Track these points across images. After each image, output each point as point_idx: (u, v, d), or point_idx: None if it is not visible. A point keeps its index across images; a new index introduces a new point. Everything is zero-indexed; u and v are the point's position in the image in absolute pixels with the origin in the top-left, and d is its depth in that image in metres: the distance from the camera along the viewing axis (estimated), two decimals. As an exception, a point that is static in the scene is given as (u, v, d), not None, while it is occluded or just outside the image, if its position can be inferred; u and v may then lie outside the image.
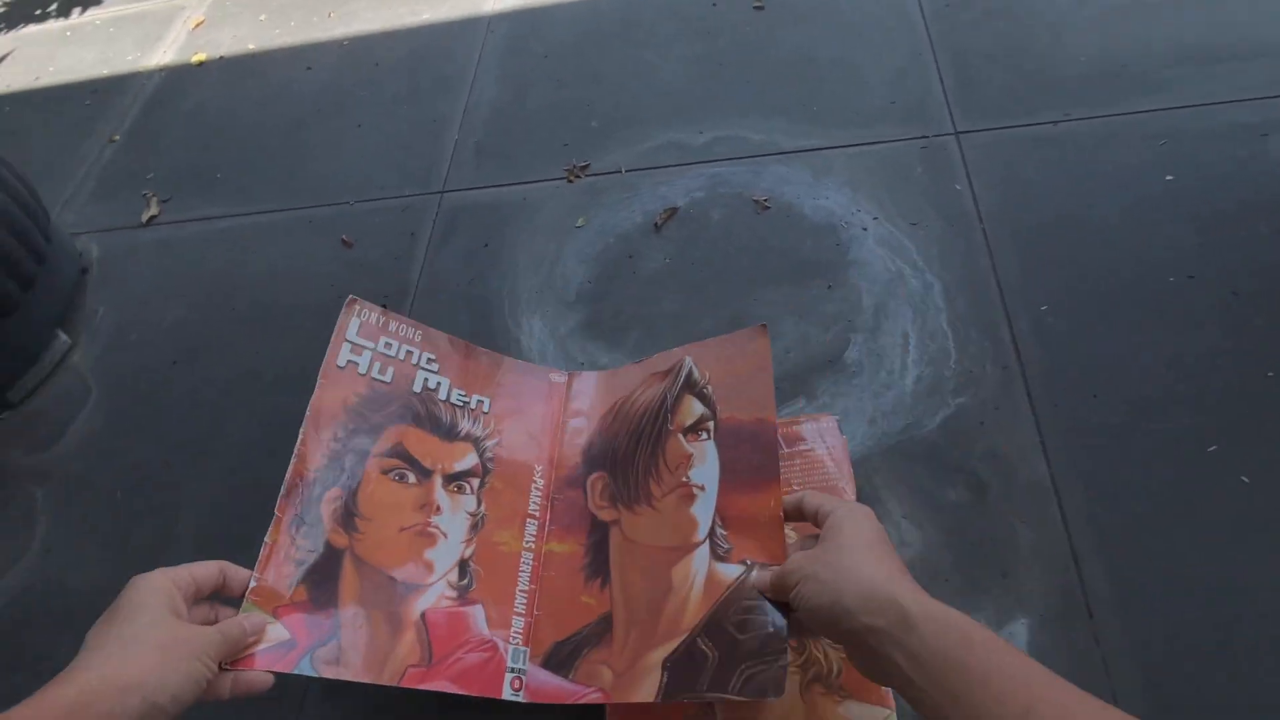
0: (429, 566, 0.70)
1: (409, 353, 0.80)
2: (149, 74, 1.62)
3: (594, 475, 0.77)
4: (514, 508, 0.76)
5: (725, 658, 0.58)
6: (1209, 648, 0.68)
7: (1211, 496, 0.75)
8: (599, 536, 0.72)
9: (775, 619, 0.57)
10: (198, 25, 1.70)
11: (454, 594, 0.69)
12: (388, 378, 0.78)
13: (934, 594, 0.71)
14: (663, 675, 0.61)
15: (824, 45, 1.25)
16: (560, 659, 0.67)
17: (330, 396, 0.75)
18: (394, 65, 1.46)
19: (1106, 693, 0.67)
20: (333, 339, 0.77)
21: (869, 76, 1.19)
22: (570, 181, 1.18)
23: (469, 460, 0.77)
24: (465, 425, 0.79)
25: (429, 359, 0.81)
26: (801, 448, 0.83)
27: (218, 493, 0.97)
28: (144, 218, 1.32)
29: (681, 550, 0.67)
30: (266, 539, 0.66)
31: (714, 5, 1.37)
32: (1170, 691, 0.67)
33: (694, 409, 0.74)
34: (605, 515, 0.73)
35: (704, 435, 0.72)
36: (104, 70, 1.66)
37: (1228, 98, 1.02)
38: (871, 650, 0.46)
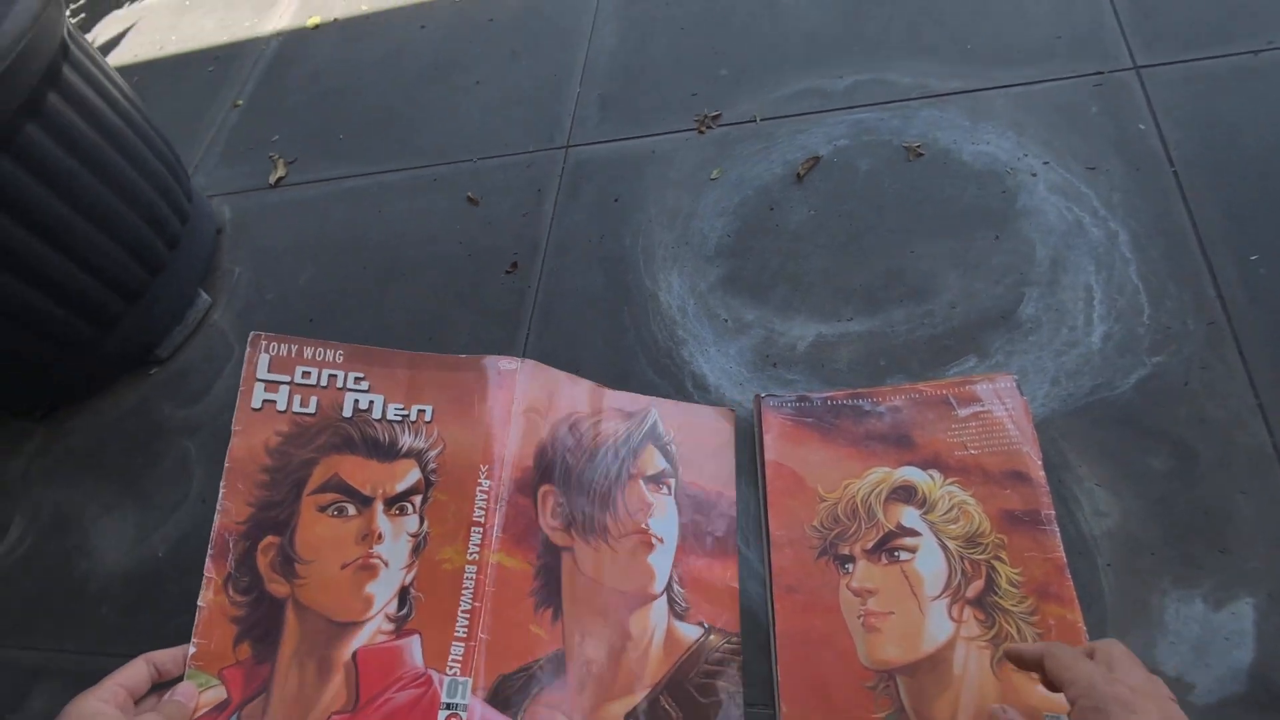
0: (368, 601, 0.66)
1: (332, 377, 0.73)
2: (267, 39, 1.64)
3: (545, 486, 0.72)
4: (459, 518, 0.69)
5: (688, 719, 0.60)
6: None
7: None
8: (550, 560, 0.69)
9: (734, 691, 0.62)
10: (310, -11, 1.71)
11: (391, 627, 0.66)
12: (311, 408, 0.72)
13: (1138, 566, 0.66)
14: None
15: (974, -22, 1.15)
16: (507, 695, 0.63)
17: (247, 443, 0.71)
18: (508, 20, 1.43)
19: (1356, 684, 0.60)
20: (242, 382, 0.72)
21: (1029, 7, 1.09)
22: (701, 133, 1.13)
23: (411, 478, 0.71)
24: (406, 440, 0.72)
25: (356, 378, 0.74)
26: (977, 409, 0.77)
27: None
28: (272, 179, 1.34)
29: (639, 599, 0.66)
30: (200, 603, 0.65)
31: (846, -58, 1.28)
32: None
33: (656, 460, 0.74)
34: (558, 539, 0.70)
35: (665, 490, 0.72)
36: (223, 37, 1.69)
37: None
38: None
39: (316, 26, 1.61)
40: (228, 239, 1.29)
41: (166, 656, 0.62)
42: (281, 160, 1.36)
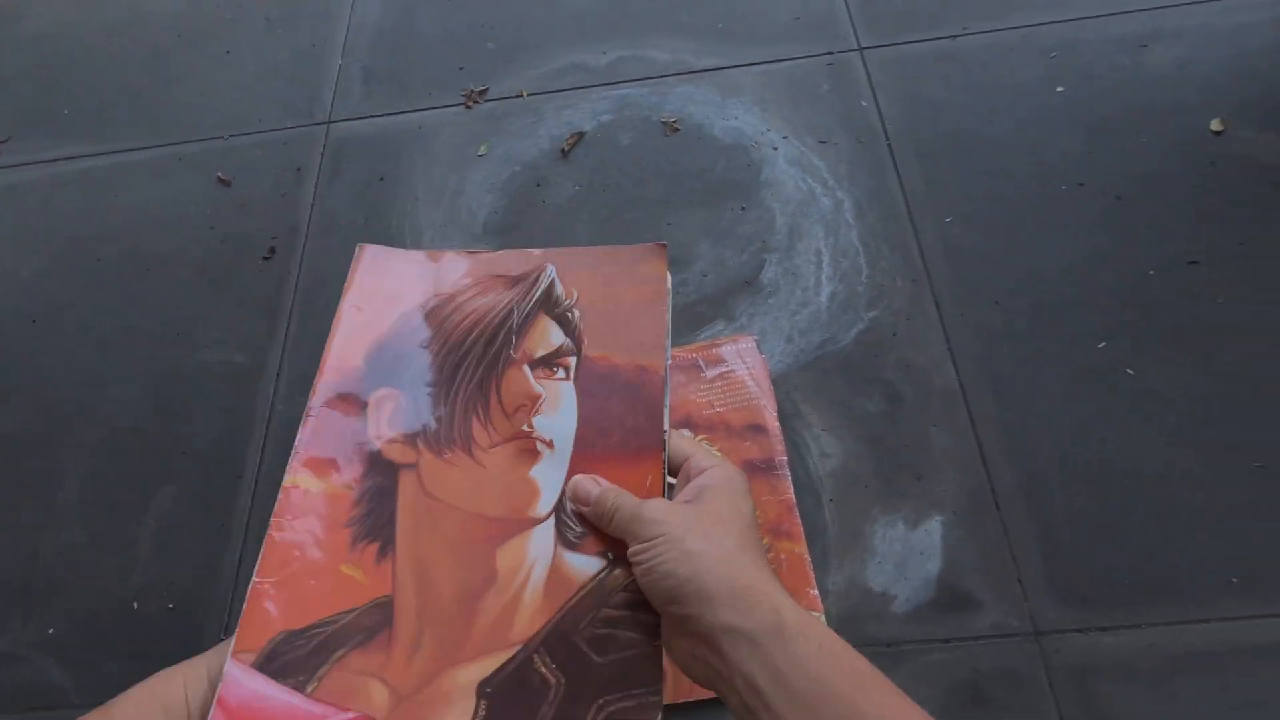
0: None
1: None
2: (-31, -4, 1.41)
3: (382, 390, 0.55)
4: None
5: (575, 687, 0.43)
6: (1103, 524, 0.73)
7: (1104, 390, 0.79)
8: (381, 482, 0.52)
9: (650, 629, 0.43)
10: (23, -61, 1.48)
11: None
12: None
13: (854, 499, 0.73)
14: (477, 706, 0.44)
15: (726, -40, 1.21)
16: (290, 661, 0.45)
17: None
18: (262, -16, 1.32)
19: (1013, 578, 0.72)
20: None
21: (773, -8, 1.16)
22: (468, 108, 1.11)
23: None
24: None
25: None
26: (722, 369, 0.83)
27: (102, 459, 0.89)
28: (-20, 161, 1.17)
29: (513, 525, 0.49)
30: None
31: (611, -83, 1.30)
32: (1069, 571, 0.72)
33: (550, 336, 0.56)
34: (395, 454, 0.52)
35: (560, 373, 0.54)
36: (-89, -8, 1.44)
37: (1113, 9, 1.05)
38: (719, 651, 0.37)
39: (32, -16, 1.40)
40: (-76, 232, 1.11)
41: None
42: (-8, 139, 1.19)
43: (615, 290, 0.56)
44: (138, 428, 0.91)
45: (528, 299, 0.57)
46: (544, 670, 0.44)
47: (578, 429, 0.52)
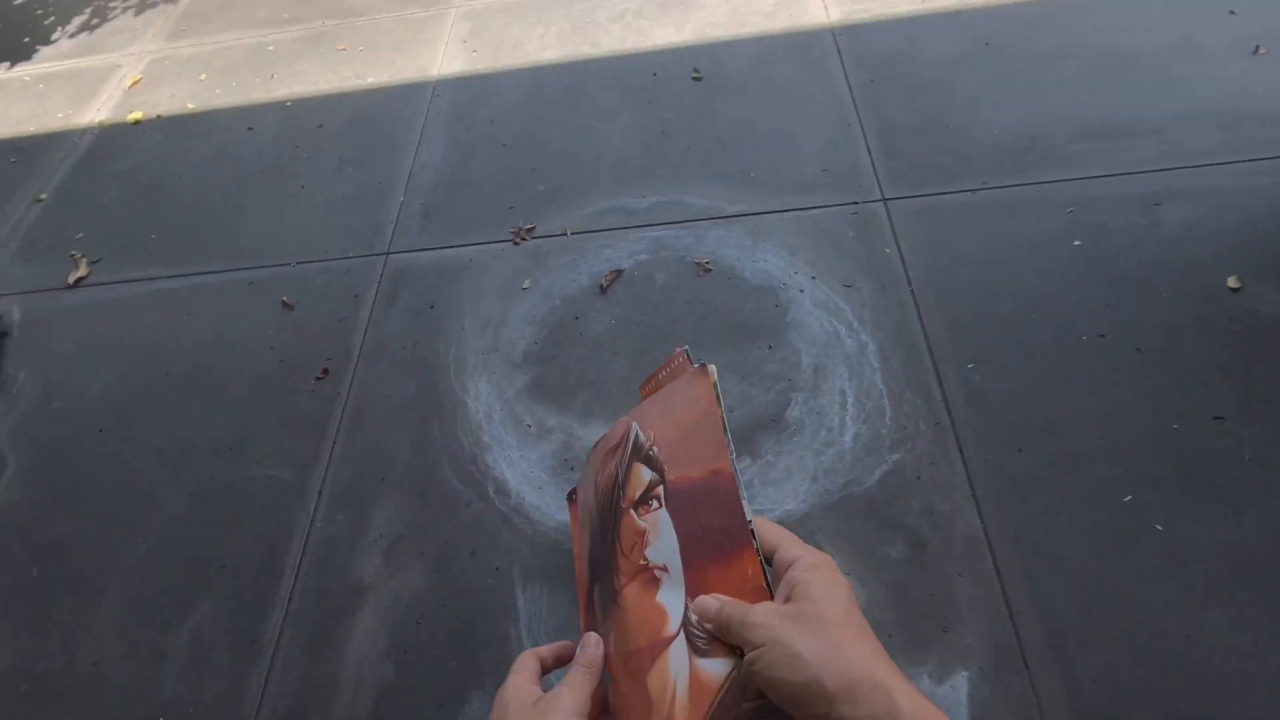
0: None
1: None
2: (81, 132, 1.58)
3: (592, 586, 0.64)
4: None
5: None
6: (1133, 687, 0.71)
7: (1129, 544, 0.79)
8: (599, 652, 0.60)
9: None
10: (134, 84, 1.68)
11: None
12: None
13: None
14: None
15: (760, 116, 1.32)
16: None
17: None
18: (338, 128, 1.47)
19: (1044, 742, 0.70)
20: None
21: (803, 146, 1.25)
22: (516, 244, 1.20)
23: None
24: None
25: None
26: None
27: (145, 568, 0.93)
28: (70, 279, 1.28)
29: (654, 650, 0.54)
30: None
31: (655, 76, 1.43)
32: (1103, 738, 0.69)
33: (643, 477, 0.62)
34: (602, 630, 0.60)
35: (654, 504, 0.60)
36: (32, 128, 1.62)
37: (1126, 169, 1.11)
38: None
39: (137, 122, 1.57)
40: (13, 342, 1.21)
41: (548, 651, 0.57)
42: (84, 259, 1.31)
43: (676, 419, 0.62)
44: (182, 539, 0.95)
45: (624, 456, 0.64)
46: None
47: (680, 546, 0.56)
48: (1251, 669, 0.71)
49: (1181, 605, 0.75)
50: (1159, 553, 0.78)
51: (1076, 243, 1.05)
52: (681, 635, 0.53)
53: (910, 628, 0.77)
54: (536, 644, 0.80)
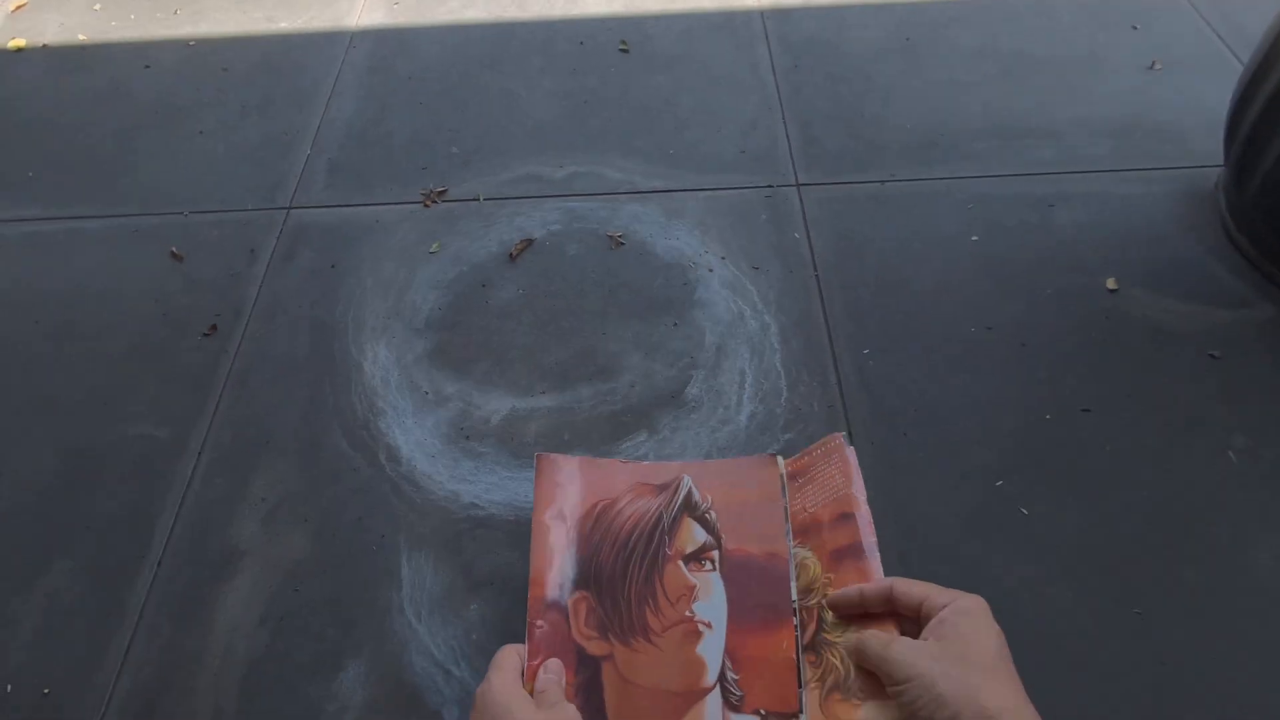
0: None
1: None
2: (-47, 56, 1.45)
3: (577, 594, 0.66)
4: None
5: None
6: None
7: (995, 527, 0.83)
8: (589, 675, 0.62)
9: None
10: (18, 8, 1.55)
11: None
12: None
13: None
14: None
15: (683, 93, 1.31)
16: None
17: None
18: (244, 73, 1.39)
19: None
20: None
21: (723, 126, 1.26)
22: (426, 206, 1.16)
23: None
24: None
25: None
26: (810, 474, 0.72)
27: (-1, 529, 0.87)
28: (-67, 215, 1.18)
29: (690, 697, 0.60)
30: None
31: (581, 44, 1.41)
32: None
33: (695, 535, 0.68)
34: (594, 648, 0.63)
35: (708, 566, 0.66)
36: (-104, 46, 1.48)
37: (1024, 170, 1.16)
38: None
39: (20, 50, 1.45)
40: None
41: (524, 650, 0.60)
42: (-52, 195, 1.20)
43: (740, 494, 0.70)
44: (42, 497, 0.89)
45: (673, 504, 0.69)
46: None
47: (729, 610, 0.63)
48: (1093, 646, 0.76)
49: (1044, 591, 0.79)
50: (1021, 536, 0.82)
51: (974, 238, 1.09)
52: (718, 689, 0.60)
53: (788, 602, 0.79)
54: (418, 612, 0.78)
